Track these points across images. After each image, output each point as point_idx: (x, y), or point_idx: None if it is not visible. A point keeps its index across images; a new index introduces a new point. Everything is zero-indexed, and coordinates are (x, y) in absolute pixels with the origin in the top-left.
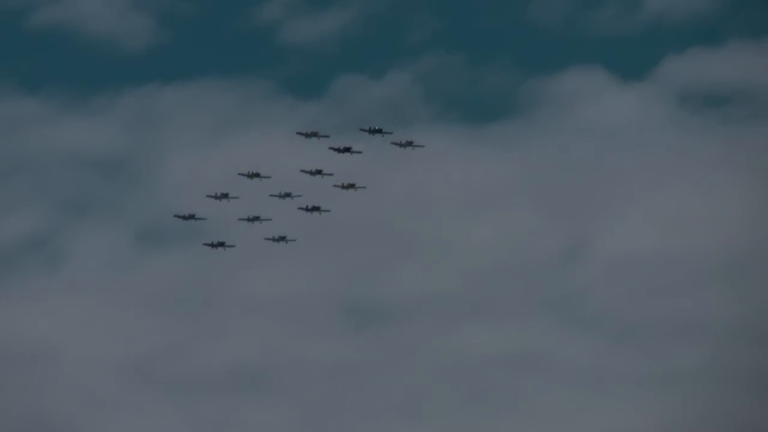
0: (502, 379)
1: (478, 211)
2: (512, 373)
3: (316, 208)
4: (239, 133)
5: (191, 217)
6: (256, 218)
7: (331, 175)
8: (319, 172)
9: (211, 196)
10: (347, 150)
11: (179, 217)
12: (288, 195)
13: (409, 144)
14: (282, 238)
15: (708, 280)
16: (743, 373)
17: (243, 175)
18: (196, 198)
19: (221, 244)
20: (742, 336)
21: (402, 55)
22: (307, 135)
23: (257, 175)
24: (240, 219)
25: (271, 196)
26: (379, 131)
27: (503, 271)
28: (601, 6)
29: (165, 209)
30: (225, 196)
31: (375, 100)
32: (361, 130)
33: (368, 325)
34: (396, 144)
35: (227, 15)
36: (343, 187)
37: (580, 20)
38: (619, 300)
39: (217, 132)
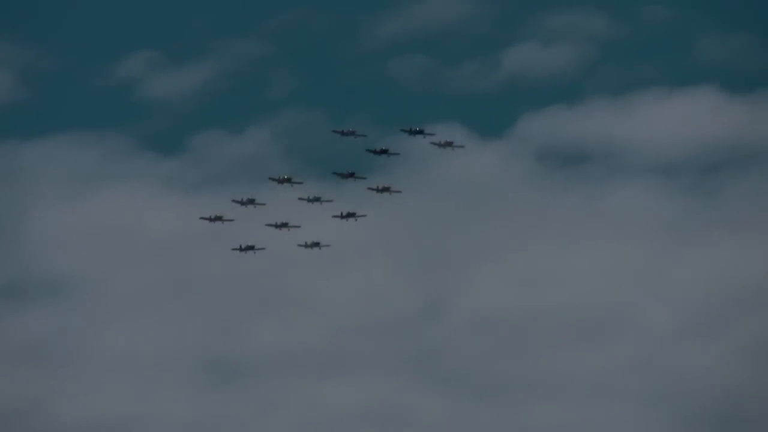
0: None
1: (340, 266)
2: (372, 428)
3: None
4: (101, 188)
5: None
6: None
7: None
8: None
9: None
10: (251, 201)
11: None
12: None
13: (449, 144)
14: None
15: (567, 337)
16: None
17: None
18: (57, 253)
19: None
20: (601, 394)
21: (262, 111)
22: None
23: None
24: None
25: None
26: (421, 132)
27: (364, 326)
28: (459, 64)
29: (26, 265)
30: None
31: (235, 156)
32: (402, 130)
33: (230, 380)
34: (435, 144)
35: (88, 70)
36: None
37: (439, 77)
38: (478, 357)
39: (79, 187)
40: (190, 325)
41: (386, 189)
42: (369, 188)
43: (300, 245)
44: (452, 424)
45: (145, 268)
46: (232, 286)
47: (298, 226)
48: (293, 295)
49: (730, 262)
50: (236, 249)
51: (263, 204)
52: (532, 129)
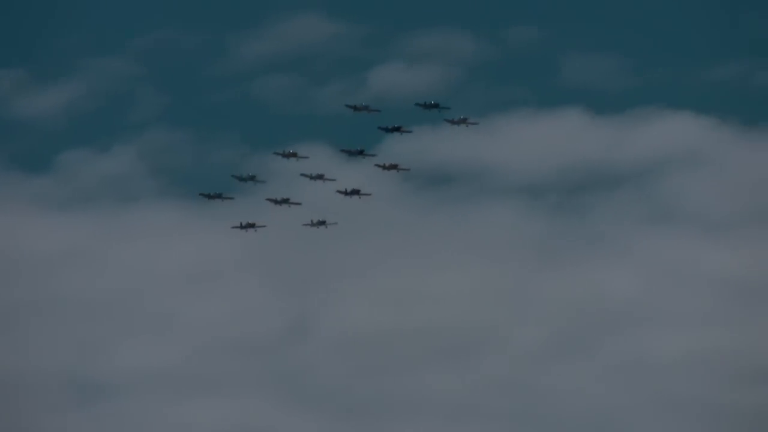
0: None
1: (205, 286)
2: None
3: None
4: None
5: None
6: None
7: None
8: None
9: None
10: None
11: None
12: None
13: (463, 121)
14: None
15: (433, 357)
16: None
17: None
18: None
19: None
20: (466, 413)
21: (128, 130)
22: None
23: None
24: None
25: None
26: (436, 106)
27: (229, 346)
28: (326, 83)
29: None
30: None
31: (102, 175)
32: (417, 104)
33: (94, 400)
34: (449, 121)
35: None
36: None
37: (306, 97)
38: (344, 376)
39: None
40: (54, 344)
41: (394, 167)
42: (377, 165)
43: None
44: None
45: (11, 287)
46: (99, 306)
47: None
48: (159, 315)
49: (596, 282)
50: (236, 227)
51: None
52: (398, 148)
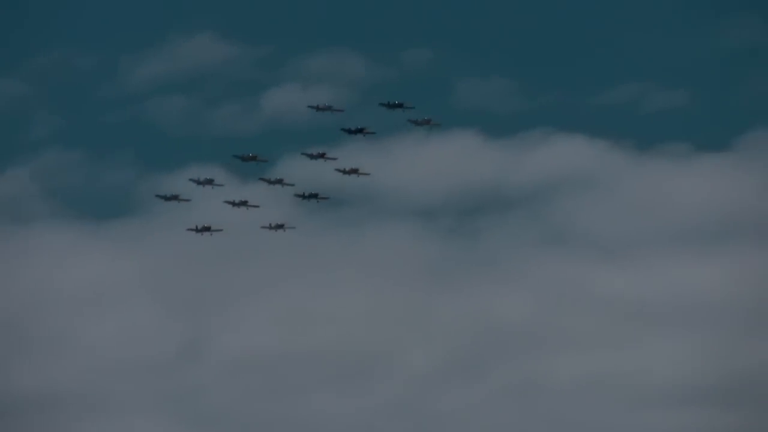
0: None
1: (98, 307)
2: None
3: None
4: None
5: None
6: None
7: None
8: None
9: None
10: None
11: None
12: None
13: (427, 122)
14: None
15: (327, 379)
16: None
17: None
18: None
19: None
20: None
21: (21, 151)
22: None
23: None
24: None
25: None
26: (400, 106)
27: (122, 368)
28: (219, 105)
29: None
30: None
31: None
32: (381, 104)
33: None
34: (412, 122)
35: None
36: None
37: (200, 119)
38: (238, 398)
39: None
40: None
41: (354, 171)
42: (337, 169)
43: None
44: None
45: None
46: None
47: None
48: (53, 336)
49: (489, 305)
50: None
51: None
52: (291, 171)
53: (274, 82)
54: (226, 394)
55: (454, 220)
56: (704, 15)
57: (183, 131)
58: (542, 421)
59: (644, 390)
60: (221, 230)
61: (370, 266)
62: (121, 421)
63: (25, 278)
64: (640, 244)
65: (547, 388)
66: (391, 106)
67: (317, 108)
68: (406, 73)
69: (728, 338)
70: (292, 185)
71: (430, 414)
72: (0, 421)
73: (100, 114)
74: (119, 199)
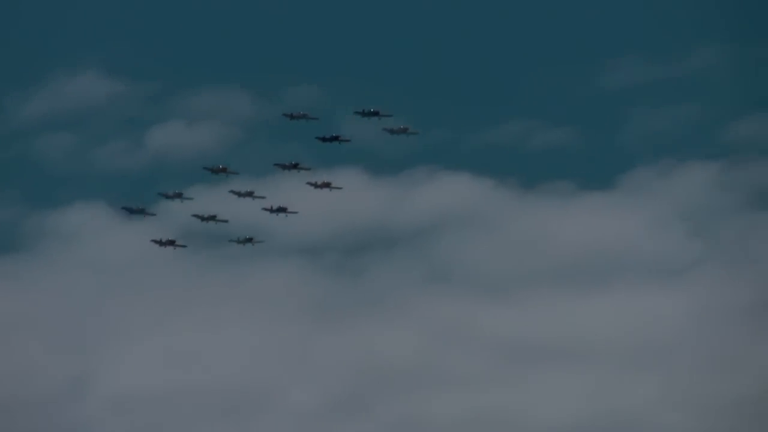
0: None
1: None
2: None
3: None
4: None
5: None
6: None
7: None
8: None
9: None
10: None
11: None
12: None
13: (403, 130)
14: None
15: (210, 417)
16: None
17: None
18: None
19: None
20: None
21: None
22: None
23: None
24: None
25: None
26: (376, 113)
27: (4, 404)
28: (104, 142)
29: None
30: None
31: None
32: (356, 112)
33: None
34: (387, 130)
35: None
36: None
37: (84, 157)
38: None
39: None
40: None
41: (327, 185)
42: (309, 183)
43: None
44: None
45: None
46: None
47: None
48: None
49: (374, 342)
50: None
51: None
52: (174, 208)
53: (160, 119)
54: (111, 431)
55: (340, 258)
56: (588, 54)
57: (68, 169)
58: None
59: (527, 429)
60: (185, 246)
61: (255, 303)
62: None
63: None
64: (524, 282)
65: (431, 425)
66: (366, 113)
67: (291, 116)
68: (293, 110)
69: (612, 377)
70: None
71: None
72: None
73: None
74: (4, 236)
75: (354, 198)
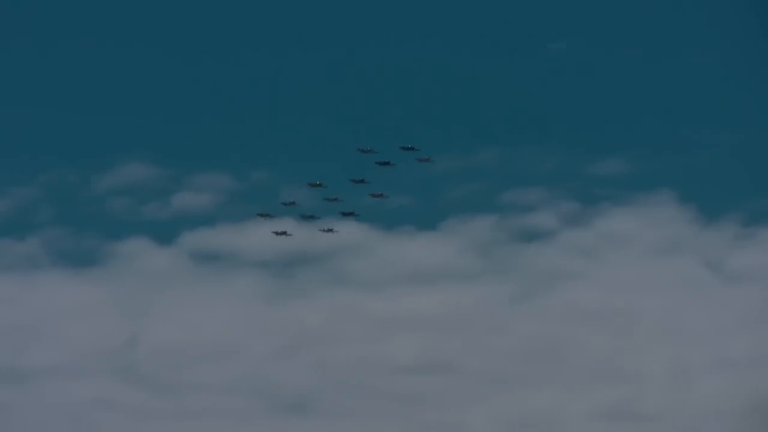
0: None
1: None
2: None
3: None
4: None
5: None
6: None
7: None
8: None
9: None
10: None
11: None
12: None
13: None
14: None
15: (203, 360)
16: None
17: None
18: None
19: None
20: None
21: None
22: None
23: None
24: None
25: None
26: (411, 149)
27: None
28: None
29: None
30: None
31: None
32: (401, 148)
33: None
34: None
35: None
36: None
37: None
38: None
39: None
40: None
41: (380, 195)
42: (370, 194)
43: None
44: None
45: None
46: None
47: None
48: None
49: (301, 317)
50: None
51: None
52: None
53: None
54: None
55: (282, 268)
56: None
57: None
58: None
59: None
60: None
61: (230, 292)
62: None
63: None
64: (393, 280)
65: (331, 367)
66: (406, 149)
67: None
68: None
69: None
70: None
71: None
72: None
73: None
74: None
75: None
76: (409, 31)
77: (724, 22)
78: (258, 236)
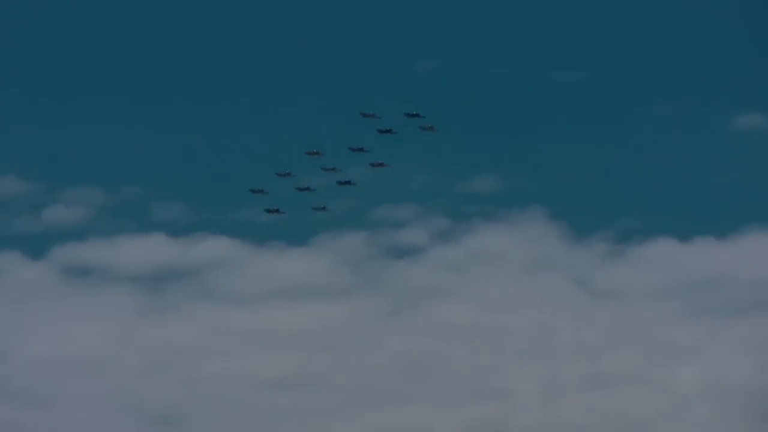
0: None
1: None
2: None
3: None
4: None
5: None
6: None
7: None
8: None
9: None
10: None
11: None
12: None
13: (430, 128)
14: None
15: (77, 373)
16: None
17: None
18: None
19: None
20: None
21: None
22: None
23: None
24: None
25: None
26: (416, 115)
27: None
28: None
29: None
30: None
31: None
32: (406, 114)
33: None
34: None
35: None
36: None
37: None
38: None
39: None
40: None
41: (381, 164)
42: (370, 164)
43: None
44: None
45: None
46: None
47: None
48: None
49: (169, 331)
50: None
51: None
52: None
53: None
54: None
55: (152, 283)
56: None
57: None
58: None
59: None
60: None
61: (102, 305)
62: None
63: None
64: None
65: (202, 383)
66: (411, 115)
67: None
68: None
69: None
70: None
71: None
72: None
73: None
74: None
75: (162, 249)
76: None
77: (591, 39)
78: (129, 251)
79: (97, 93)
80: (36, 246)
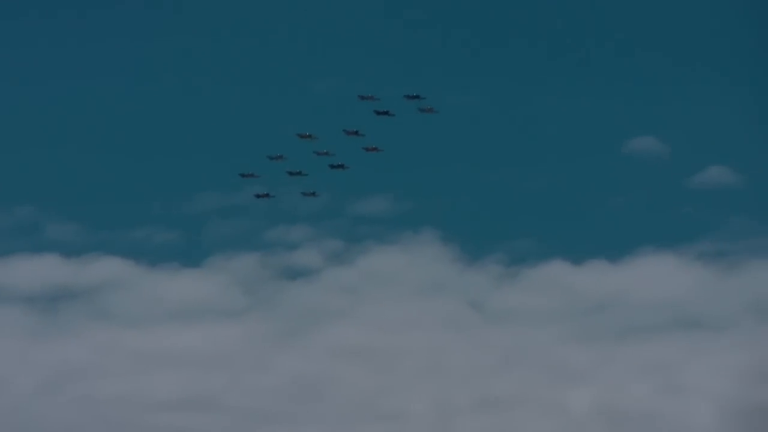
0: None
1: None
2: None
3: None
4: None
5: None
6: None
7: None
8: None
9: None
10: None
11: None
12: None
13: (429, 110)
14: None
15: None
16: None
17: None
18: None
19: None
20: None
21: None
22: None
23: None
24: None
25: None
26: (417, 97)
27: None
28: None
29: None
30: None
31: None
32: (405, 96)
33: None
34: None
35: None
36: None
37: None
38: None
39: None
40: None
41: (374, 149)
42: (364, 148)
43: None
44: None
45: None
46: None
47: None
48: None
49: (67, 350)
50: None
51: None
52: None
53: None
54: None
55: (48, 303)
56: None
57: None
58: None
59: None
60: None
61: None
62: None
63: None
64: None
65: (98, 404)
66: (411, 97)
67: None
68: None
69: None
70: None
71: None
72: None
73: None
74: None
75: (56, 269)
76: None
77: (483, 62)
78: (22, 271)
79: None
80: None
